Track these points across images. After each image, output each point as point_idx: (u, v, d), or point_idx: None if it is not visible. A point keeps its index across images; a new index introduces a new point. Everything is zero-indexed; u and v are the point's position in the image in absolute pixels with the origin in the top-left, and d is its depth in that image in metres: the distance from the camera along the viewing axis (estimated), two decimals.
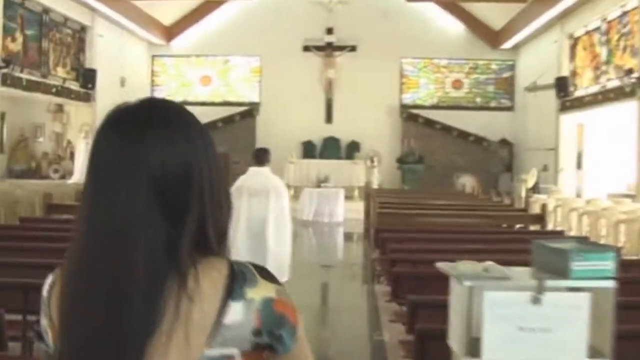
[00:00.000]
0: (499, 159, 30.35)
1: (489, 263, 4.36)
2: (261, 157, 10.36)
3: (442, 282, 7.64)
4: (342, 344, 9.74)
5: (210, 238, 1.82)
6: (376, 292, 12.59)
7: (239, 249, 9.45)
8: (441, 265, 4.56)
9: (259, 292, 1.79)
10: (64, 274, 1.82)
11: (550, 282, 3.93)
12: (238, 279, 1.78)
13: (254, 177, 10.13)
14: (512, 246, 10.05)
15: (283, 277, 9.65)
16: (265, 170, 10.24)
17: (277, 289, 1.82)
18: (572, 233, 15.42)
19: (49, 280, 1.92)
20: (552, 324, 3.83)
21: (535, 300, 3.81)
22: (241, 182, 10.14)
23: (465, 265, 4.32)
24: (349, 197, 26.78)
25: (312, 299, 12.77)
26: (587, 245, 4.71)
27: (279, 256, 9.94)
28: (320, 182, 26.60)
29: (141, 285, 1.69)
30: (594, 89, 23.12)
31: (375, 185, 26.27)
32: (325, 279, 15.36)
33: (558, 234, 12.33)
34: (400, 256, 8.79)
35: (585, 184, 24.24)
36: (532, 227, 14.22)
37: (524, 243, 10.81)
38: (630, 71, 19.40)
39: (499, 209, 16.10)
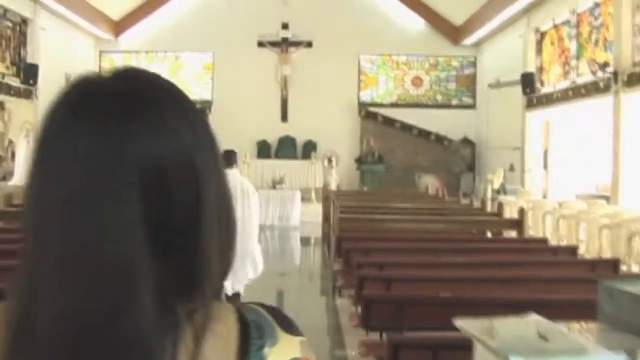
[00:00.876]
0: (460, 159, 29.55)
1: (535, 318, 3.02)
2: (229, 158, 10.21)
3: (421, 306, 6.47)
4: None
5: (215, 276, 1.30)
6: (337, 307, 11.44)
7: None
8: (468, 328, 3.19)
9: (282, 352, 1.32)
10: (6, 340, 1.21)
11: None
12: (253, 335, 1.30)
13: None
14: (500, 258, 8.87)
15: (258, 272, 10.25)
16: (234, 171, 10.31)
17: (302, 342, 1.36)
18: (550, 239, 14.26)
19: None
20: None
21: None
22: None
23: (508, 330, 2.93)
24: (305, 199, 25.81)
25: None
26: None
27: (252, 253, 10.11)
28: (275, 184, 25.47)
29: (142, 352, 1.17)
30: (563, 85, 22.15)
31: (333, 187, 25.35)
32: (280, 290, 14.20)
33: (541, 242, 11.15)
34: (369, 273, 7.51)
35: (551, 185, 23.39)
36: (506, 233, 13.15)
37: (511, 254, 9.67)
38: (605, 65, 18.35)
39: (470, 212, 14.94)
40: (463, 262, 8.46)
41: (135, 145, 1.23)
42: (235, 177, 10.22)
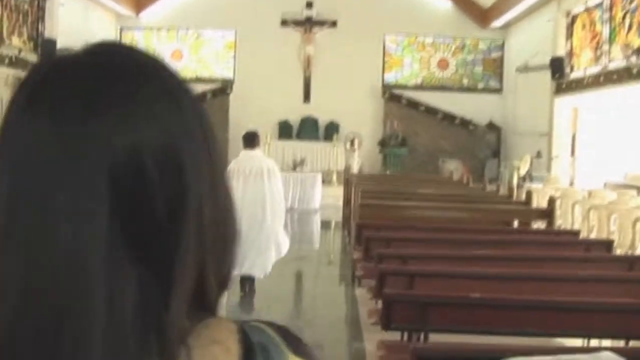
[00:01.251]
0: (485, 144, 28.92)
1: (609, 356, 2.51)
2: (252, 140, 10.89)
3: (447, 307, 5.96)
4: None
5: (210, 289, 1.12)
6: (356, 297, 10.96)
7: None
8: None
9: None
10: None
11: None
12: (257, 357, 1.09)
13: (247, 159, 10.69)
14: (530, 252, 8.33)
15: (282, 253, 10.96)
16: (257, 152, 10.88)
17: None
18: (579, 229, 13.70)
19: None
20: None
21: None
22: (234, 165, 10.69)
23: None
24: (326, 181, 25.37)
25: (281, 304, 11.18)
26: None
27: (277, 235, 10.71)
28: (296, 165, 24.97)
29: None
30: (594, 70, 21.46)
31: (355, 170, 24.92)
32: (297, 276, 13.81)
33: (572, 235, 10.57)
34: (390, 267, 6.98)
35: (578, 172, 22.80)
36: (536, 224, 12.60)
37: (542, 248, 9.11)
38: (639, 50, 17.72)
39: (496, 200, 14.38)
40: (491, 255, 7.90)
41: (104, 136, 1.02)
42: (258, 157, 10.80)
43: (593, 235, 13.22)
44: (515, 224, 12.89)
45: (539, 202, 14.85)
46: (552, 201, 12.06)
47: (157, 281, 1.05)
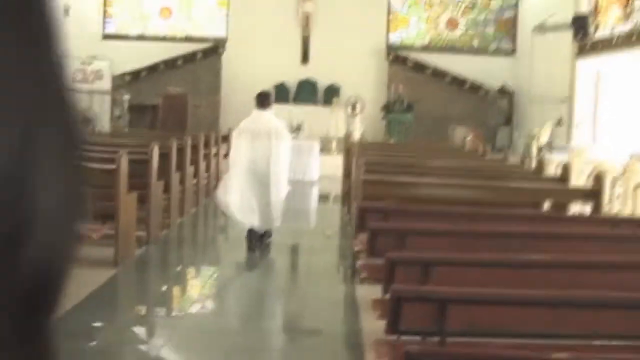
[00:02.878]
0: (497, 110, 27.00)
1: None
2: (264, 100, 11.39)
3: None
4: None
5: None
6: (357, 299, 8.80)
7: (242, 189, 10.76)
8: None
9: None
10: None
11: None
12: None
13: (257, 120, 11.15)
14: (597, 256, 6.12)
15: (276, 223, 11.36)
16: (268, 113, 11.29)
17: None
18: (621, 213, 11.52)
19: None
20: None
21: None
22: (244, 124, 11.29)
23: None
24: (325, 149, 23.51)
25: (265, 309, 9.19)
26: None
27: (275, 202, 11.09)
28: (292, 131, 22.86)
29: None
30: (623, 28, 19.41)
31: (356, 137, 22.79)
32: (289, 272, 11.83)
33: (633, 225, 8.33)
34: (411, 290, 4.73)
35: (599, 142, 20.78)
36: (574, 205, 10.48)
37: (600, 244, 6.92)
38: None
39: (523, 176, 12.19)
40: (546, 261, 5.68)
41: None
42: (268, 118, 11.18)
43: None
44: (545, 205, 10.78)
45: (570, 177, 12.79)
46: (598, 179, 9.85)
47: None
